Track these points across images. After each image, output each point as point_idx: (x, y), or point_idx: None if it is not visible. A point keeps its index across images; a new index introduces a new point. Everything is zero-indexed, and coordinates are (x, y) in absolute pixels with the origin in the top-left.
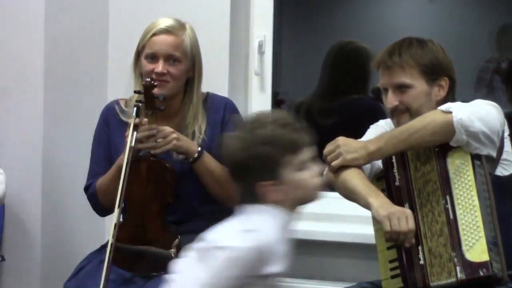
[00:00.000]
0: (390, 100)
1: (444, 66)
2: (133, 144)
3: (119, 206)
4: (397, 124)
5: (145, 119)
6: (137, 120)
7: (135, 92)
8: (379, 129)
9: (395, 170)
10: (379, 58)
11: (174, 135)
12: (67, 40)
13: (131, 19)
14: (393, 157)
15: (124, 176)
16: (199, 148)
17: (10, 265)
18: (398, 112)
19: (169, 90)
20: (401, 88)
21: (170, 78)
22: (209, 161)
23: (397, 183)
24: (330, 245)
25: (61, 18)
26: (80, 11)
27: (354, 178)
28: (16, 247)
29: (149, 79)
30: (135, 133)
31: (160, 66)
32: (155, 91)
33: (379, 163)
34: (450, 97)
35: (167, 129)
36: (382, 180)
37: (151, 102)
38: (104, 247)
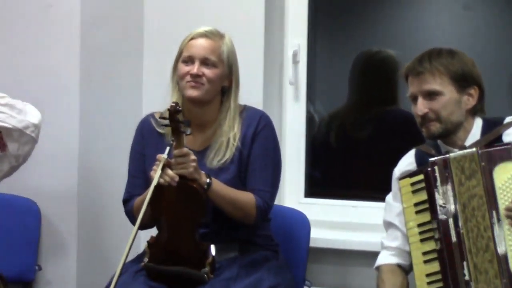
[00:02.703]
0: (420, 107)
1: (474, 76)
2: (156, 183)
3: (137, 229)
4: (427, 133)
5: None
6: (167, 159)
7: (160, 117)
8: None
9: (438, 183)
10: (409, 66)
11: (194, 164)
12: (103, 51)
13: (166, 30)
14: (436, 170)
15: (146, 208)
16: (208, 180)
17: (47, 275)
18: (428, 120)
19: (204, 92)
20: (431, 95)
21: (205, 80)
22: (219, 188)
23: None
24: (360, 254)
25: (96, 30)
26: (116, 23)
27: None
28: (53, 256)
29: (174, 104)
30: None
31: (195, 68)
32: (189, 92)
33: None
34: (479, 106)
35: (192, 156)
36: (422, 192)
37: (177, 127)
38: (139, 257)
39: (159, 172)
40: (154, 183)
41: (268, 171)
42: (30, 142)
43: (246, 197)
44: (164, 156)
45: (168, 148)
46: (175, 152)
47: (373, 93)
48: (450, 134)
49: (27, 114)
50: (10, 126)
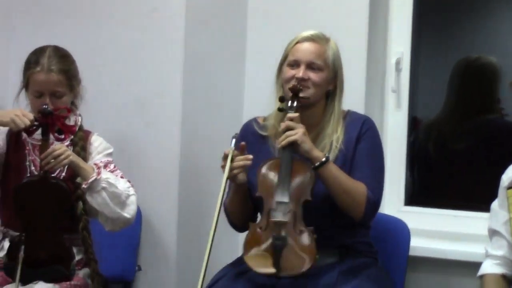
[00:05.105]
0: None
1: None
2: (227, 175)
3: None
4: None
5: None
6: (235, 152)
7: (280, 99)
8: None
9: None
10: None
11: (302, 130)
12: (206, 55)
13: (269, 34)
14: None
15: (221, 204)
16: (324, 159)
17: (147, 275)
18: None
19: (309, 95)
20: None
21: (311, 84)
22: (333, 169)
23: None
24: (460, 264)
25: (200, 35)
26: (219, 28)
27: None
28: (153, 257)
29: (296, 83)
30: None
31: (301, 72)
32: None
33: None
34: None
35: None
36: None
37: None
38: (240, 259)
39: (228, 165)
40: (224, 177)
41: (375, 168)
42: (107, 226)
43: (358, 185)
44: (231, 147)
45: (233, 139)
46: (288, 115)
47: (473, 101)
48: None
49: (125, 208)
50: (100, 211)
